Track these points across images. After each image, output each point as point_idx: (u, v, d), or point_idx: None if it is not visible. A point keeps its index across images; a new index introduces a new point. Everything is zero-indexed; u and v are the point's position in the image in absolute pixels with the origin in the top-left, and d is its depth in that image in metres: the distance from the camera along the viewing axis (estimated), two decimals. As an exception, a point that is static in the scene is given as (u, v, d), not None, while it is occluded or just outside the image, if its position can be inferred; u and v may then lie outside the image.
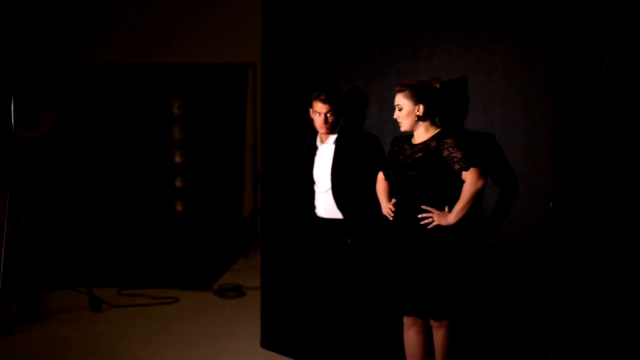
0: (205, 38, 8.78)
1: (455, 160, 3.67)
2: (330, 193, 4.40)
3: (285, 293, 5.04)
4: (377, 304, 4.18)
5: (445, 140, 3.71)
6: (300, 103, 4.76)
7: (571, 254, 3.69)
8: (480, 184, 3.66)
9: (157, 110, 8.35)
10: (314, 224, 4.54)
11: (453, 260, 3.73)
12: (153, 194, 8.40)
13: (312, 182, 4.53)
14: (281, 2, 4.97)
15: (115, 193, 8.28)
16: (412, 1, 4.20)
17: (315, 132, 4.52)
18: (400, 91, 3.82)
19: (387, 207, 4.01)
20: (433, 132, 3.81)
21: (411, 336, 3.99)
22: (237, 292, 6.74)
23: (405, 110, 3.80)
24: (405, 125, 3.83)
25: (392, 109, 3.89)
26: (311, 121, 4.45)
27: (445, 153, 3.69)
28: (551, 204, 3.60)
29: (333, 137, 4.42)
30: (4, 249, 5.70)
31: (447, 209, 3.72)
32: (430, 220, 3.72)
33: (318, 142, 4.51)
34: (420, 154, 3.77)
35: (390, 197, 4.05)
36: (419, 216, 3.75)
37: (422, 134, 3.83)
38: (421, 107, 3.78)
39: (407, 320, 3.98)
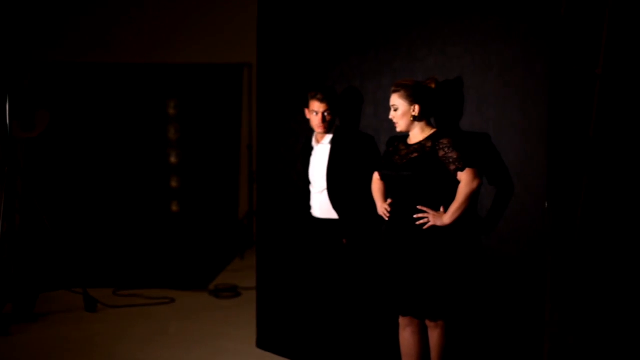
0: (201, 38, 8.78)
1: (451, 160, 3.67)
2: (325, 193, 4.40)
3: (280, 293, 5.03)
4: (372, 304, 4.19)
5: (441, 141, 3.71)
6: (295, 103, 4.75)
7: (566, 253, 3.69)
8: (475, 184, 3.66)
9: (152, 110, 8.34)
10: (309, 224, 4.54)
11: (448, 260, 3.73)
12: (148, 194, 8.40)
13: (308, 182, 4.53)
14: (276, 2, 4.96)
15: (110, 193, 8.27)
16: (408, 1, 4.20)
17: (310, 132, 4.52)
18: (395, 91, 3.82)
19: (382, 207, 4.01)
20: (428, 132, 3.81)
21: (407, 336, 3.99)
22: (233, 292, 6.73)
23: (400, 111, 3.80)
24: (400, 126, 3.83)
25: (388, 109, 3.89)
26: (306, 121, 4.45)
27: (441, 153, 3.69)
28: (546, 204, 3.60)
29: (328, 137, 4.42)
30: (-2, 249, 5.70)
31: (442, 209, 3.72)
32: (426, 220, 3.72)
33: (313, 142, 4.50)
34: (415, 154, 3.77)
35: (385, 197, 4.05)
36: (415, 216, 3.75)
37: (418, 134, 3.83)
38: (416, 107, 3.78)
39: (402, 320, 3.98)
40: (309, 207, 4.53)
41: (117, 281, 7.06)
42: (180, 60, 8.57)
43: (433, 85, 3.84)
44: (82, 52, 8.51)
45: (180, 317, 6.01)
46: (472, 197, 3.69)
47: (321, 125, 4.35)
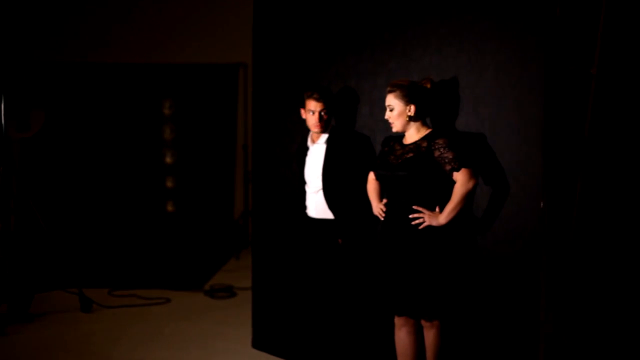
0: (196, 38, 8.77)
1: (446, 160, 3.67)
2: (321, 193, 4.39)
3: (276, 293, 5.03)
4: (368, 304, 4.18)
5: (437, 141, 3.71)
6: (291, 103, 4.75)
7: (562, 253, 3.70)
8: (471, 184, 3.66)
9: (147, 110, 8.34)
10: (304, 224, 4.54)
11: (444, 260, 3.73)
12: (144, 194, 8.40)
13: (303, 182, 4.53)
14: (272, 2, 4.96)
15: (105, 193, 8.28)
16: (403, 1, 4.20)
17: (306, 132, 4.52)
18: (391, 91, 3.81)
19: (377, 207, 4.00)
20: (424, 132, 3.81)
21: (402, 336, 3.99)
22: (228, 292, 6.73)
23: (396, 111, 3.80)
24: (396, 126, 3.83)
25: (383, 108, 3.89)
26: (302, 121, 4.45)
27: (437, 153, 3.69)
28: (542, 204, 3.60)
29: (324, 137, 4.42)
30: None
31: (437, 209, 3.72)
32: (421, 220, 3.72)
33: (309, 142, 4.50)
34: (411, 154, 3.77)
35: (381, 197, 4.05)
36: (410, 216, 3.75)
37: (413, 134, 3.83)
38: (412, 107, 3.77)
39: (398, 320, 3.98)
40: (305, 207, 4.53)
41: (112, 281, 7.05)
42: (176, 60, 8.57)
43: (429, 85, 3.84)
44: (77, 52, 8.50)
45: (175, 317, 6.00)
46: (468, 197, 3.69)
47: (318, 124, 4.35)
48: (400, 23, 4.21)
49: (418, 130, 3.82)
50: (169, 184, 8.49)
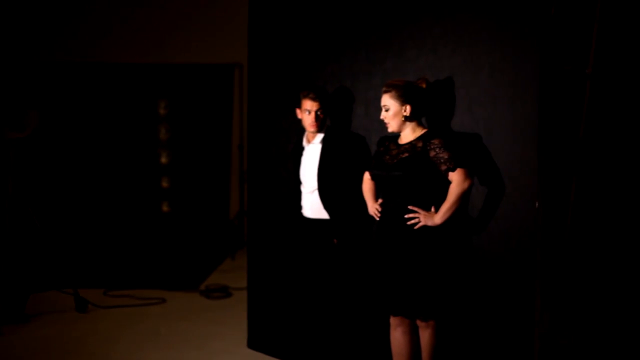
0: (192, 38, 8.77)
1: (442, 160, 3.67)
2: (316, 193, 4.39)
3: (271, 293, 5.03)
4: (363, 304, 4.19)
5: (432, 141, 3.71)
6: (286, 103, 4.75)
7: (557, 253, 3.70)
8: (466, 184, 3.66)
9: (143, 110, 8.33)
10: (300, 224, 4.54)
11: (439, 260, 3.73)
12: (139, 194, 8.39)
13: (299, 182, 4.53)
14: (267, 2, 4.96)
15: (101, 193, 8.26)
16: (399, 1, 4.20)
17: (301, 132, 4.52)
18: (386, 91, 3.82)
19: (373, 207, 4.00)
20: (419, 132, 3.81)
21: (397, 336, 3.99)
22: (224, 292, 6.72)
23: (391, 111, 3.80)
24: (392, 126, 3.83)
25: (379, 109, 3.89)
26: (297, 121, 4.45)
27: (432, 153, 3.69)
28: (537, 204, 3.61)
29: (319, 137, 4.42)
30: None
31: (433, 209, 3.73)
32: (417, 220, 3.72)
33: (304, 142, 4.50)
34: (406, 154, 3.77)
35: (376, 197, 4.05)
36: (405, 216, 3.75)
37: (409, 134, 3.83)
38: (408, 108, 3.78)
39: (393, 320, 3.98)
40: (300, 207, 4.53)
41: (107, 282, 7.04)
42: (171, 61, 8.56)
43: (424, 85, 3.84)
44: (71, 52, 8.49)
45: (171, 317, 5.99)
46: (463, 197, 3.69)
47: (314, 124, 4.35)
48: (395, 23, 4.21)
49: (413, 130, 3.82)
50: (164, 184, 8.47)
